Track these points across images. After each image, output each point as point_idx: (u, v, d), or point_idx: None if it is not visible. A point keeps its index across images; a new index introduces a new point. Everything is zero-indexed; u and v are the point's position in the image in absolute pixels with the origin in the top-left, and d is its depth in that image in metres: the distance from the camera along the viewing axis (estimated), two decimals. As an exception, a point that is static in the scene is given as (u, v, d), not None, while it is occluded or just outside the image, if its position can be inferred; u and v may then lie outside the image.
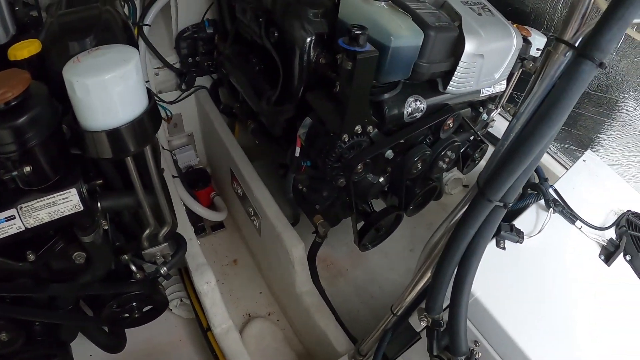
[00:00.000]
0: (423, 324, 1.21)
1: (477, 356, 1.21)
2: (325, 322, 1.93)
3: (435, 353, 1.23)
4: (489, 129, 2.25)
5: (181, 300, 2.17)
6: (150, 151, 1.22)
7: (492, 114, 2.07)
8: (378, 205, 1.94)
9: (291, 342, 2.25)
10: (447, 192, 2.59)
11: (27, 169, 1.03)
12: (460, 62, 1.60)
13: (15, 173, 1.04)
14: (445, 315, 1.18)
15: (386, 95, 1.62)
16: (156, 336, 2.19)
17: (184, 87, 2.55)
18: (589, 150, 1.86)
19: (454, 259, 1.05)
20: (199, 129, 2.76)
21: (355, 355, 1.74)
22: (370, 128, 1.61)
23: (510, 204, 0.99)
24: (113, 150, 1.06)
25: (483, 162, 2.12)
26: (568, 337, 1.22)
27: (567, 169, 1.67)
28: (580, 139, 2.05)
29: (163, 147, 2.45)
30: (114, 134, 1.03)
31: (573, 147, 2.11)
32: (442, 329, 1.21)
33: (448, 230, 1.19)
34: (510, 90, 2.03)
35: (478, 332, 1.24)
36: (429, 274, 1.28)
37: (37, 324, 1.55)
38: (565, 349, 1.19)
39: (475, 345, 1.23)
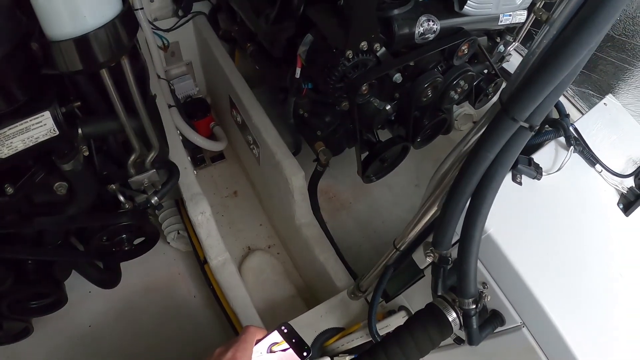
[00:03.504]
0: (429, 260, 1.11)
1: (486, 300, 1.11)
2: (325, 255, 1.87)
3: (439, 293, 1.14)
4: (504, 65, 2.13)
5: (178, 233, 2.11)
6: (131, 69, 1.10)
7: (509, 47, 1.97)
8: (384, 136, 1.84)
9: (291, 275, 2.22)
10: (456, 128, 2.48)
11: (-14, 87, 0.94)
12: (480, -24, 1.48)
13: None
14: (454, 252, 1.08)
15: (396, 12, 1.52)
16: (154, 270, 2.16)
17: (180, 13, 2.40)
18: (610, 95, 1.75)
19: (469, 186, 0.93)
20: (198, 58, 2.63)
21: (355, 291, 1.67)
22: (377, 46, 1.50)
23: (537, 127, 0.87)
24: (83, 61, 0.94)
25: (495, 99, 2.00)
26: (580, 283, 1.13)
27: (583, 114, 1.55)
28: (599, 84, 1.93)
29: (159, 77, 2.34)
30: (82, 42, 0.92)
31: (591, 92, 2.00)
32: (449, 267, 1.11)
33: (461, 157, 1.07)
34: (530, 24, 1.91)
35: (487, 272, 1.14)
36: (436, 207, 1.17)
37: (29, 262, 1.51)
38: (577, 294, 1.11)
39: (484, 288, 1.14)
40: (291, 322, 0.98)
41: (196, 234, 1.85)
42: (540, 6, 0.88)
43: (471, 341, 1.11)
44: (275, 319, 2.00)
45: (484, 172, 0.91)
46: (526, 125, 0.86)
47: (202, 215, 1.74)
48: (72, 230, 1.57)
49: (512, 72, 2.16)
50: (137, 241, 1.61)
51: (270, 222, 2.36)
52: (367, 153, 1.79)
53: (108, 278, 1.81)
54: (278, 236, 2.32)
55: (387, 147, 1.78)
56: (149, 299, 2.10)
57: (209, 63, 2.48)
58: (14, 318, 1.66)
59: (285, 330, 0.96)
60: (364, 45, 1.46)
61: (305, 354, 0.94)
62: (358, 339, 1.57)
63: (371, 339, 1.52)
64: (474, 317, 1.09)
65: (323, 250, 1.88)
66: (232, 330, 1.88)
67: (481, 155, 0.89)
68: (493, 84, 1.89)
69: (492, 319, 1.16)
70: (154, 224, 1.48)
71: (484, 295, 1.10)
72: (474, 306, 1.07)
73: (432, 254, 1.09)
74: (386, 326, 1.53)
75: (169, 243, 2.16)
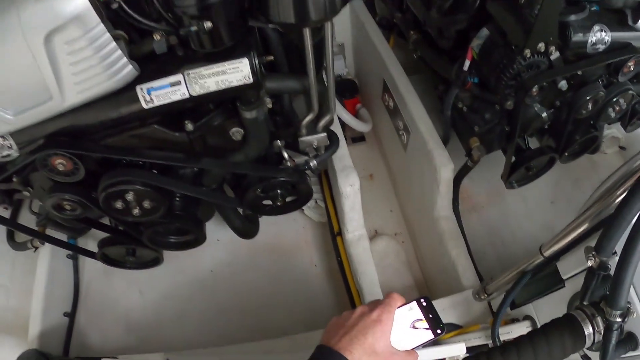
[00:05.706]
0: (589, 264, 1.09)
1: (632, 316, 1.07)
2: (457, 251, 1.85)
3: (585, 303, 1.12)
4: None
5: (316, 202, 2.18)
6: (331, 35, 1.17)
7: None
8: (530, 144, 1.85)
9: (412, 266, 2.22)
10: (601, 150, 2.38)
11: (209, 24, 1.03)
12: (660, -7, 1.43)
13: (194, 28, 1.04)
14: (611, 262, 1.06)
15: (573, 17, 1.50)
16: (282, 233, 2.24)
17: (339, -4, 2.45)
18: None
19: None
20: (351, 40, 2.69)
21: (480, 292, 1.65)
22: (552, 49, 1.50)
23: None
24: (296, 15, 1.02)
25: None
26: None
27: None
28: None
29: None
30: (308, -3, 0.99)
31: None
32: (603, 275, 1.09)
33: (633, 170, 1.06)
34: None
35: (634, 291, 1.11)
36: (593, 217, 1.16)
37: (177, 198, 1.59)
38: None
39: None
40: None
41: (337, 205, 1.89)
42: None
43: (605, 357, 1.08)
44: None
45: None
46: None
47: (351, 187, 1.78)
48: (228, 177, 1.67)
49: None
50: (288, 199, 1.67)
51: (401, 210, 2.38)
52: (514, 159, 1.77)
53: (248, 229, 1.90)
54: (407, 225, 2.33)
55: (536, 155, 1.77)
56: (272, 259, 2.19)
57: (363, 46, 2.51)
58: (150, 247, 1.76)
59: (424, 304, 0.98)
60: (541, 46, 1.47)
61: (439, 331, 0.95)
62: (476, 339, 1.56)
63: (487, 343, 1.52)
64: (615, 332, 1.05)
65: (456, 245, 1.86)
66: (349, 303, 1.94)
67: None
68: (648, 108, 1.81)
69: (625, 341, 1.12)
70: (310, 185, 1.54)
71: (632, 310, 1.07)
72: (620, 320, 1.04)
73: (593, 258, 1.08)
74: (507, 332, 1.51)
75: (302, 210, 2.23)
